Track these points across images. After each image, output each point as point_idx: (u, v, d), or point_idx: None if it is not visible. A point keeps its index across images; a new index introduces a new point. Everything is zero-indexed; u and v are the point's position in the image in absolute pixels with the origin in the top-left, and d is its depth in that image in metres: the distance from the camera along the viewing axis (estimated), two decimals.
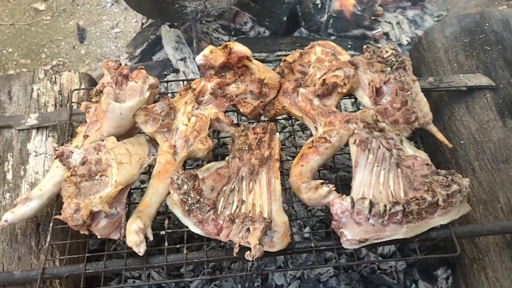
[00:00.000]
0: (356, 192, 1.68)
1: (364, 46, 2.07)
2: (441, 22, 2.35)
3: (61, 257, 1.74)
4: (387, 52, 2.00)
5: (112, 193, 1.61)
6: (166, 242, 1.66)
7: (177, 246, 1.66)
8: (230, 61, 1.95)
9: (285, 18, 2.87)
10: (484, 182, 1.82)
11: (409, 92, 1.87)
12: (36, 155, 2.03)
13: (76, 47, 3.32)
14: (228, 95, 1.94)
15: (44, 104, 2.20)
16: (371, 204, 1.55)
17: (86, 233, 1.65)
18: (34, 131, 2.09)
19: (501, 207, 1.75)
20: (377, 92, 1.91)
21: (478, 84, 2.01)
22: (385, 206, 1.56)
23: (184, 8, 2.56)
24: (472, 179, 1.86)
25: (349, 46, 2.87)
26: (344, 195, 1.61)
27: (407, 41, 3.01)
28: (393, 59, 1.96)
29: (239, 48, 1.95)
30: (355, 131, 1.77)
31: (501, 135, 1.89)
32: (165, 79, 2.74)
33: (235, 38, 2.95)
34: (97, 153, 1.74)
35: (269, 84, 1.95)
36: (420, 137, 1.94)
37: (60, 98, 2.23)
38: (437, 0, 3.25)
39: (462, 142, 1.96)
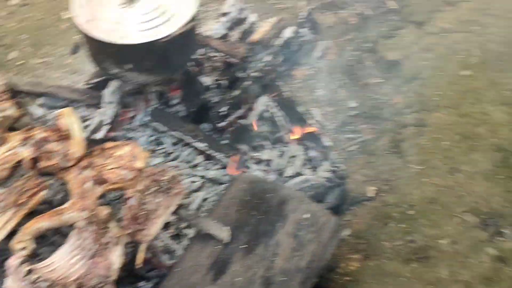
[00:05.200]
0: (50, 257, 2.24)
1: (164, 164, 2.60)
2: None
3: None
4: (164, 176, 2.50)
5: None
6: None
7: None
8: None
9: (194, 109, 3.41)
10: None
11: (144, 212, 2.36)
12: None
13: None
14: (46, 147, 2.56)
15: None
16: (29, 272, 2.11)
17: None
18: None
19: None
20: (128, 200, 2.43)
21: None
22: (37, 277, 2.11)
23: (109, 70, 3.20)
24: None
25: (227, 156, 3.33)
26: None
27: (290, 174, 3.37)
28: (161, 184, 2.46)
29: (64, 121, 2.58)
30: (80, 218, 2.32)
31: None
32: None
33: (155, 108, 3.52)
34: None
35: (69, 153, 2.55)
36: None
37: None
38: None
39: None
